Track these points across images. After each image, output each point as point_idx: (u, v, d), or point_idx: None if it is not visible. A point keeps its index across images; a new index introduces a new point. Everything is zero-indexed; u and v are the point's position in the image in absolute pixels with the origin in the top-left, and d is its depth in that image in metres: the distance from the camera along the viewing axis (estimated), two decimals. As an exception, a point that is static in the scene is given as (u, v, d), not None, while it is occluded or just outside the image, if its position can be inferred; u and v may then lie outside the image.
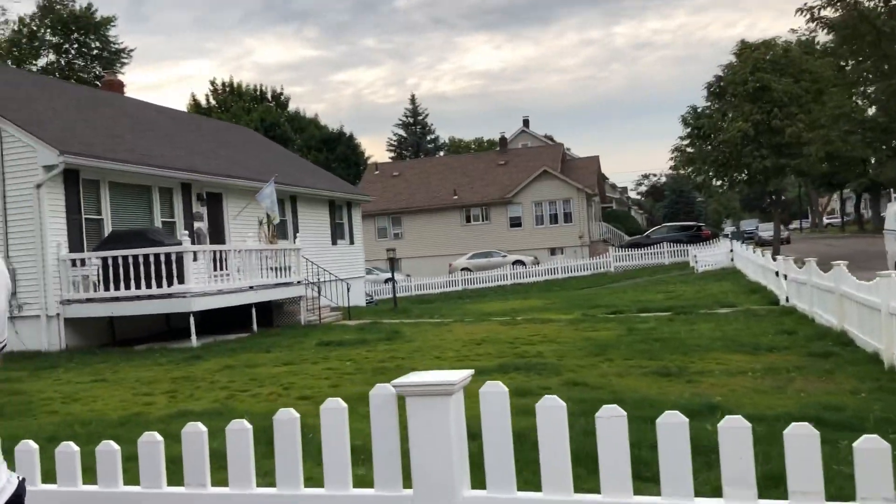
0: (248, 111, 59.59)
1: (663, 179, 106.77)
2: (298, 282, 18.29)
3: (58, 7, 44.57)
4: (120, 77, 24.12)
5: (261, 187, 19.82)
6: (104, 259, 14.60)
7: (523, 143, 59.07)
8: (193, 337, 14.32)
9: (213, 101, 63.34)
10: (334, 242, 25.86)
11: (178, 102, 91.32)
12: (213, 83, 65.80)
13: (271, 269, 17.53)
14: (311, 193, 24.15)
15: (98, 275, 14.71)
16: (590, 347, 11.47)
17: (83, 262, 14.98)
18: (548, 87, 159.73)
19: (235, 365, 11.71)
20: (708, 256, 30.90)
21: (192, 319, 14.35)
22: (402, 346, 13.09)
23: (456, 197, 47.78)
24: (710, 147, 34.10)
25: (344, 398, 7.76)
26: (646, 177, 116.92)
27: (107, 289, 14.65)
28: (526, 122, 62.90)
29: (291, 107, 69.40)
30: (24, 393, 10.36)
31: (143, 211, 17.38)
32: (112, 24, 45.75)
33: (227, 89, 65.28)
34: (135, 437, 7.33)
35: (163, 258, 14.25)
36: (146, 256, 14.32)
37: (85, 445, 7.24)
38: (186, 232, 15.33)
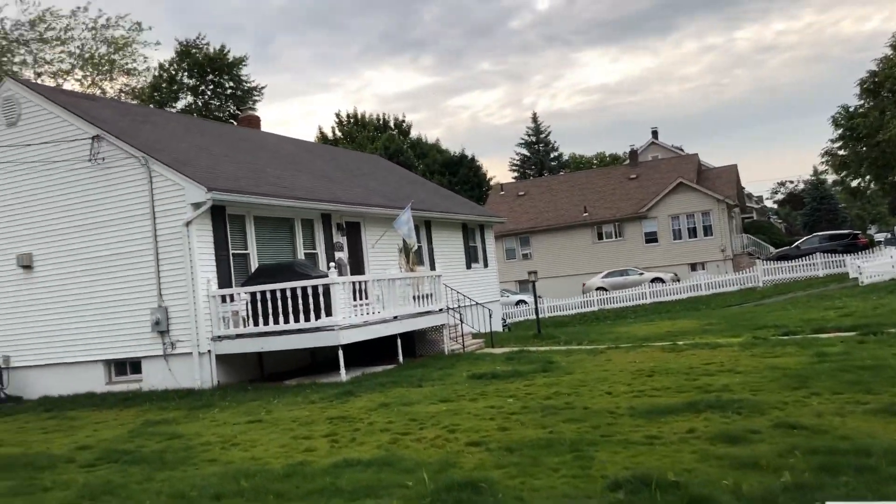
0: (373, 140, 60.54)
1: (801, 186, 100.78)
2: (440, 309, 17.70)
3: (193, 51, 46.71)
4: (253, 114, 24.62)
5: (397, 214, 19.45)
6: (252, 294, 14.48)
7: (653, 155, 56.94)
8: (343, 371, 13.92)
9: (338, 133, 64.83)
10: (469, 266, 25.25)
11: (307, 136, 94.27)
12: (337, 115, 67.31)
13: (413, 297, 17.01)
14: (444, 218, 23.67)
15: (247, 310, 14.60)
16: (782, 379, 10.14)
17: (232, 297, 14.93)
18: (668, 97, 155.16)
19: (390, 402, 11.12)
20: (874, 267, 28.21)
21: (340, 353, 13.96)
22: (561, 378, 12.14)
23: (586, 214, 46.39)
24: (865, 148, 31.35)
25: (517, 444, 6.71)
26: (782, 184, 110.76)
27: (256, 324, 14.51)
28: (655, 134, 60.70)
29: (412, 133, 70.11)
30: (181, 436, 10.12)
31: (286, 243, 17.30)
32: (244, 63, 47.51)
33: (352, 120, 66.71)
34: (302, 492, 6.76)
35: (310, 291, 13.96)
36: (293, 290, 14.08)
37: (253, 502, 6.77)
38: (333, 263, 15.02)
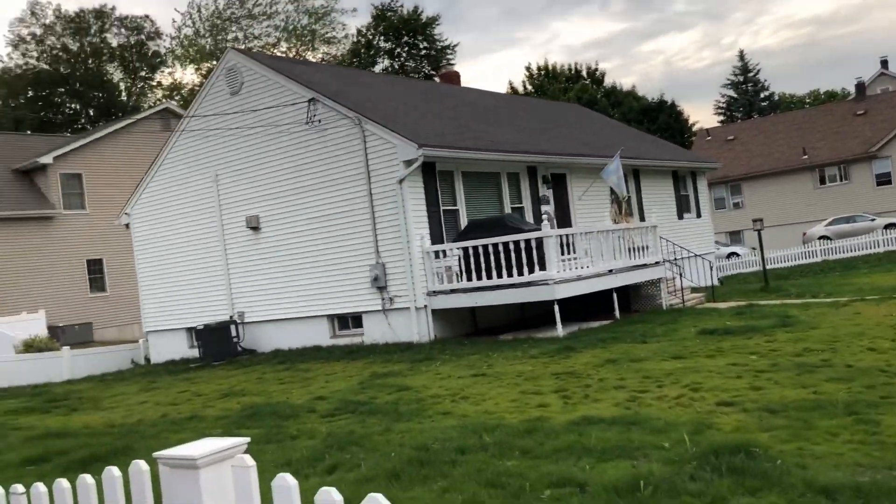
0: (565, 91, 59.10)
1: None
2: (656, 262, 16.79)
3: (388, 14, 47.69)
4: (453, 69, 24.57)
5: (604, 164, 18.65)
6: (465, 249, 14.42)
7: (882, 87, 51.09)
8: (559, 326, 13.54)
9: (529, 87, 63.98)
10: (680, 216, 23.89)
11: (497, 91, 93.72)
12: (527, 68, 66.24)
13: (627, 250, 16.23)
14: (654, 165, 22.47)
15: (460, 265, 14.57)
16: None
17: (444, 253, 14.98)
18: (891, 24, 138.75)
19: (616, 358, 10.59)
20: None
21: (556, 308, 13.57)
22: (808, 333, 10.99)
23: (805, 157, 42.59)
24: None
25: (777, 405, 5.81)
26: None
27: (469, 279, 14.46)
28: (885, 63, 54.35)
29: (606, 82, 67.68)
30: (409, 388, 10.22)
31: (493, 198, 17.10)
32: (437, 23, 47.94)
33: (542, 72, 65.51)
34: (547, 449, 6.45)
35: (522, 245, 13.65)
36: (506, 244, 13.84)
37: (498, 458, 6.55)
38: (545, 216, 14.60)
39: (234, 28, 58.97)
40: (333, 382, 11.72)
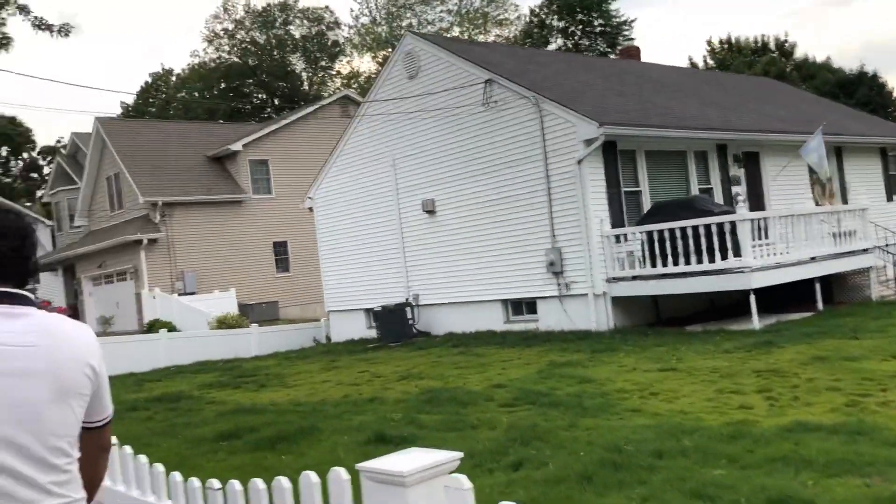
0: (750, 65, 55.41)
1: None
2: (866, 249, 15.11)
3: (562, -7, 46.65)
4: (632, 45, 23.45)
5: (802, 141, 17.05)
6: (649, 233, 13.61)
7: None
8: (755, 318, 12.45)
9: (710, 62, 60.55)
10: (889, 198, 21.52)
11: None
12: (709, 43, 62.76)
13: (831, 235, 14.72)
14: (859, 142, 20.34)
15: (643, 250, 13.78)
16: None
17: (625, 237, 14.24)
18: None
19: (826, 356, 9.50)
20: None
21: (752, 298, 12.48)
22: None
23: None
24: None
25: None
26: None
27: (653, 265, 13.65)
28: None
29: (796, 54, 62.76)
30: (592, 381, 9.68)
31: (678, 179, 16.08)
32: (611, -1, 46.36)
33: (725, 46, 61.78)
34: (758, 458, 5.70)
35: (714, 229, 12.65)
36: (696, 228, 12.90)
37: (702, 465, 5.90)
38: (741, 197, 13.49)
39: (408, 14, 60.14)
40: (510, 370, 11.40)
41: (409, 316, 17.22)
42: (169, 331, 21.98)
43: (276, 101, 68.13)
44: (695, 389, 8.56)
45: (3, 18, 9.89)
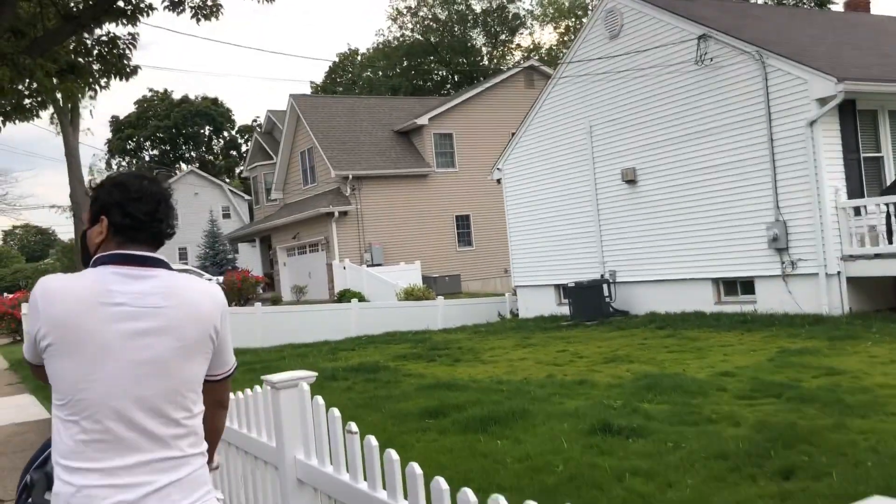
0: None
1: None
2: None
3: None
4: None
5: None
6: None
7: None
8: None
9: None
10: None
11: None
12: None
13: None
14: None
15: (889, 224, 11.94)
16: None
17: (865, 209, 12.42)
18: None
19: None
20: None
21: None
22: None
23: None
24: None
25: None
26: None
27: (895, 241, 11.78)
28: None
29: None
30: (843, 373, 8.31)
31: (927, 143, 13.86)
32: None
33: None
34: None
35: None
36: (960, 198, 10.93)
37: None
38: None
39: (591, -18, 58.02)
40: (734, 356, 10.17)
41: (606, 293, 16.19)
42: (359, 301, 22.28)
43: (456, 78, 68.45)
44: None
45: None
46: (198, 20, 9.33)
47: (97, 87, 8.69)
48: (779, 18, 16.89)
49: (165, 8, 9.18)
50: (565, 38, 62.14)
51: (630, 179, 16.02)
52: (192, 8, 9.39)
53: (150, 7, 8.95)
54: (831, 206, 12.41)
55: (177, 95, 74.37)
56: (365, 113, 32.84)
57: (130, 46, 8.67)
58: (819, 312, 12.50)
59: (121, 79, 8.40)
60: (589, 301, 16.08)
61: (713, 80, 14.10)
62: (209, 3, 10.00)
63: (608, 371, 10.05)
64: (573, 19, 62.04)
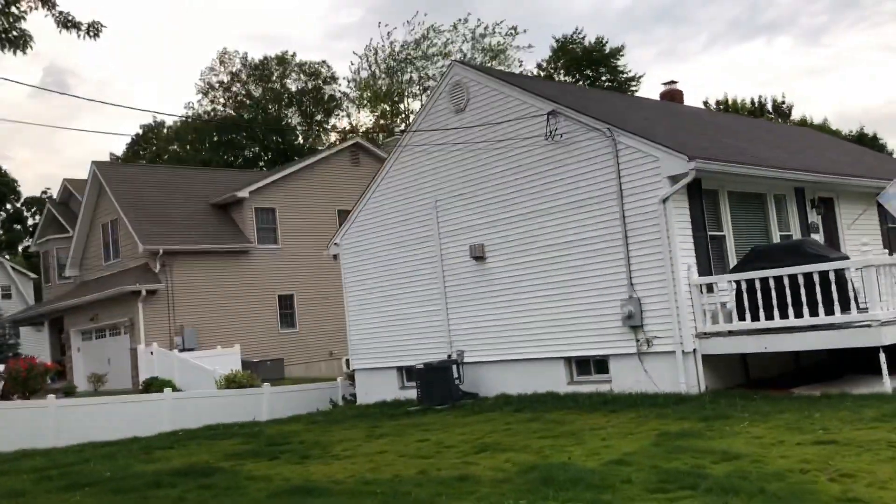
0: (754, 124, 54.99)
1: None
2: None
3: (571, 46, 46.03)
4: (675, 87, 22.16)
5: (876, 186, 15.78)
6: (749, 281, 11.93)
7: None
8: (887, 379, 10.69)
9: (712, 120, 60.20)
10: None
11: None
12: (705, 103, 62.58)
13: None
14: (927, 191, 18.94)
15: (740, 301, 12.10)
16: None
17: (715, 286, 12.57)
18: None
19: None
20: None
21: (882, 357, 10.74)
22: None
23: None
24: None
25: None
26: None
27: (754, 318, 11.94)
28: None
29: (794, 115, 62.58)
30: (739, 456, 7.86)
31: (759, 224, 14.54)
32: (620, 53, 45.78)
33: (721, 107, 61.53)
34: None
35: (833, 277, 11.01)
36: (808, 276, 11.24)
37: None
38: (866, 240, 11.86)
39: (409, 69, 59.39)
40: (613, 440, 9.53)
41: (455, 375, 15.31)
42: (171, 390, 19.86)
43: (269, 155, 66.83)
44: (898, 470, 6.75)
45: (22, 12, 8.17)
46: (8, 49, 7.64)
47: None
48: (616, 102, 17.43)
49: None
50: (381, 122, 62.78)
51: (478, 256, 15.46)
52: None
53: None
54: (685, 284, 12.42)
55: (-49, 161, 66.55)
56: (178, 184, 30.55)
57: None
58: (677, 391, 12.31)
59: None
60: (437, 384, 15.10)
61: (563, 156, 14.00)
62: (14, 33, 8.34)
63: (486, 463, 9.02)
64: (390, 103, 62.92)
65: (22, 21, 8.42)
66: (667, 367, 12.62)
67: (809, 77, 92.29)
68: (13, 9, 8.34)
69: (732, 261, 13.60)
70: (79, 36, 8.77)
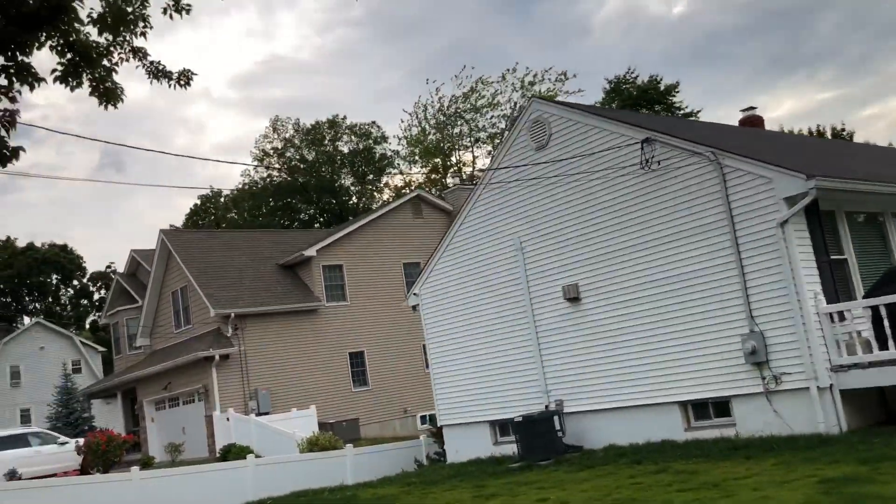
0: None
1: None
2: None
3: (624, 87, 45.49)
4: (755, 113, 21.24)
5: None
6: (887, 307, 10.80)
7: None
8: None
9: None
10: None
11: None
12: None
13: None
14: None
15: (881, 329, 10.95)
16: None
17: (842, 315, 11.46)
18: None
19: None
20: None
21: None
22: None
23: None
24: None
25: None
26: None
27: (890, 346, 10.78)
28: None
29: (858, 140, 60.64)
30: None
31: (878, 245, 13.44)
32: (676, 90, 45.05)
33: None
34: None
35: None
36: (962, 295, 10.10)
37: None
38: None
39: (459, 122, 59.46)
40: (767, 490, 8.46)
41: (557, 426, 14.30)
42: (248, 456, 19.18)
43: (324, 218, 67.25)
44: None
45: (115, 63, 7.79)
46: (101, 102, 7.26)
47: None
48: (702, 129, 16.60)
49: (56, 80, 7.05)
50: (432, 177, 62.78)
51: (573, 297, 14.58)
52: (90, 84, 7.30)
53: (38, 78, 6.82)
54: (813, 313, 11.35)
55: (22, 241, 68.50)
56: (244, 247, 30.43)
57: (6, 124, 6.40)
58: (815, 432, 11.14)
59: (-4, 165, 6.11)
60: (538, 437, 14.10)
61: (661, 184, 13.17)
62: (108, 84, 7.96)
63: (628, 523, 8.03)
64: (441, 157, 62.93)
65: (114, 74, 8.04)
66: (800, 406, 11.47)
67: (860, 107, 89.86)
68: (105, 62, 7.96)
69: (857, 286, 12.51)
70: (170, 85, 8.37)
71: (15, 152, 6.40)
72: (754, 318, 11.95)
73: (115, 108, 8.08)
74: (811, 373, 11.28)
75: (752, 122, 20.56)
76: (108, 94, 7.92)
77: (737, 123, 21.33)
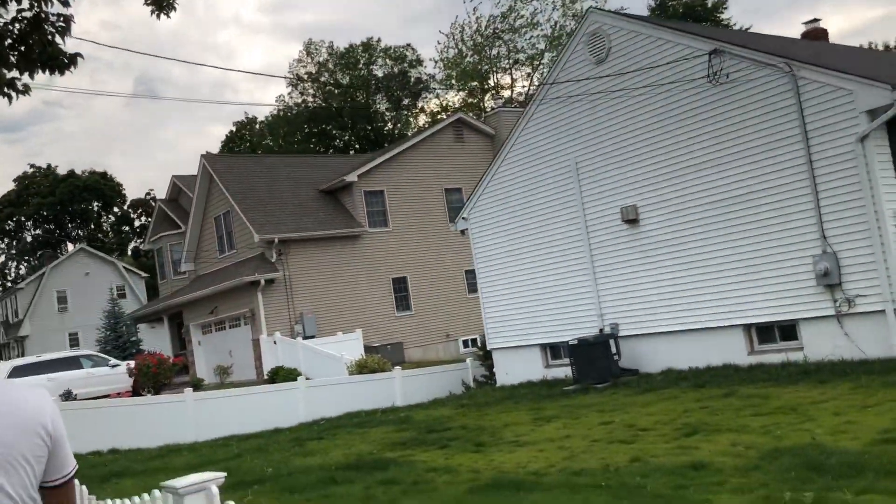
0: None
1: None
2: None
3: (670, 4, 43.70)
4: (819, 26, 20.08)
5: None
6: (976, 225, 10.21)
7: None
8: None
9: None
10: None
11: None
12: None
13: None
14: None
15: (967, 248, 10.38)
16: None
17: (925, 234, 10.87)
18: None
19: None
20: None
21: None
22: None
23: None
24: None
25: None
26: None
27: (975, 268, 10.21)
28: None
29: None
30: None
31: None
32: (724, 6, 43.27)
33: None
34: None
35: None
36: None
37: None
38: None
39: (497, 44, 57.93)
40: (849, 415, 8.13)
41: (613, 350, 14.05)
42: (295, 378, 19.32)
43: (359, 144, 66.67)
44: None
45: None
46: (154, 11, 6.79)
47: (14, 90, 5.94)
48: (774, 42, 15.70)
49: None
50: (469, 101, 61.59)
51: (631, 219, 14.12)
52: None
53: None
54: (893, 232, 10.79)
55: (61, 170, 69.13)
56: (286, 172, 30.16)
57: (61, 28, 6.03)
58: (891, 356, 10.72)
59: (52, 72, 5.76)
60: (594, 360, 13.89)
61: (729, 98, 12.49)
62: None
63: (707, 447, 7.77)
64: (477, 80, 61.58)
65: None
66: (874, 329, 11.03)
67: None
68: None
69: (938, 205, 11.85)
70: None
71: (73, 59, 6.05)
72: (827, 239, 11.42)
73: (168, 17, 7.66)
74: (888, 295, 10.81)
75: (817, 35, 19.45)
76: (162, 2, 7.48)
77: (803, 34, 20.23)
